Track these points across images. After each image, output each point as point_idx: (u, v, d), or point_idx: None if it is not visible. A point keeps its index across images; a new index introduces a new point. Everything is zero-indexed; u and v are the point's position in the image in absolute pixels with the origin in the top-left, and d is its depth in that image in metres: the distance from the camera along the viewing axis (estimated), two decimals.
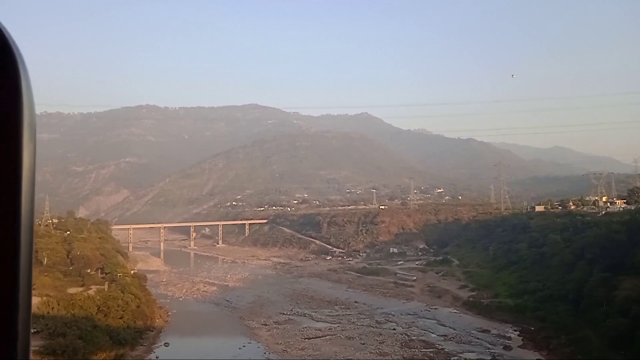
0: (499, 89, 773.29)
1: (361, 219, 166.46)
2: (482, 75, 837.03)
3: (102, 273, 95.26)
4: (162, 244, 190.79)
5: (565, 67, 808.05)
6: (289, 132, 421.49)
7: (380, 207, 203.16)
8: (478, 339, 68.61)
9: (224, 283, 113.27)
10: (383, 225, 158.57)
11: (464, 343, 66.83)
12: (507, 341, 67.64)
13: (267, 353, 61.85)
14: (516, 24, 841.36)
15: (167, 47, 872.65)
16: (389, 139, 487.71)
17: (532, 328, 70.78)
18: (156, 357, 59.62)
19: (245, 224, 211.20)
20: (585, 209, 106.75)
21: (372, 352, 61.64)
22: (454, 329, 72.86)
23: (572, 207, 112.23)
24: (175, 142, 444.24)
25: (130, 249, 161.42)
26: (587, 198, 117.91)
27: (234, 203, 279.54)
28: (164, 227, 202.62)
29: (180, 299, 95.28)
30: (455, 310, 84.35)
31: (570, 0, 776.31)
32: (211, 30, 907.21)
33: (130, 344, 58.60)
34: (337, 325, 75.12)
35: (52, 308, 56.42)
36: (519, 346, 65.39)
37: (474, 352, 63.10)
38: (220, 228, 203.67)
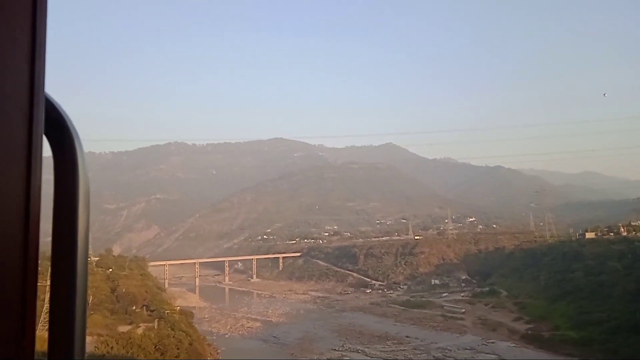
0: (523, 114, 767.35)
1: (399, 250, 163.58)
2: (506, 99, 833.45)
3: (147, 310, 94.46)
4: (197, 279, 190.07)
5: (592, 89, 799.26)
6: (315, 165, 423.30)
7: (415, 237, 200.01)
8: None
9: (267, 318, 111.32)
10: (422, 256, 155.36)
11: None
12: None
13: None
14: (543, 43, 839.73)
15: (192, 83, 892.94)
16: (415, 169, 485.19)
17: None
18: None
19: (278, 257, 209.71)
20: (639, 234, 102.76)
21: None
22: None
23: (624, 233, 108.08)
24: (204, 177, 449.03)
25: (166, 286, 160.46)
26: (638, 223, 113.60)
27: (264, 237, 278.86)
28: (198, 263, 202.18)
29: (226, 336, 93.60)
30: (514, 345, 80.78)
31: (594, 18, 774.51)
32: (231, 65, 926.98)
33: None
34: None
35: (112, 347, 55.40)
36: None
37: None
38: (254, 262, 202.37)
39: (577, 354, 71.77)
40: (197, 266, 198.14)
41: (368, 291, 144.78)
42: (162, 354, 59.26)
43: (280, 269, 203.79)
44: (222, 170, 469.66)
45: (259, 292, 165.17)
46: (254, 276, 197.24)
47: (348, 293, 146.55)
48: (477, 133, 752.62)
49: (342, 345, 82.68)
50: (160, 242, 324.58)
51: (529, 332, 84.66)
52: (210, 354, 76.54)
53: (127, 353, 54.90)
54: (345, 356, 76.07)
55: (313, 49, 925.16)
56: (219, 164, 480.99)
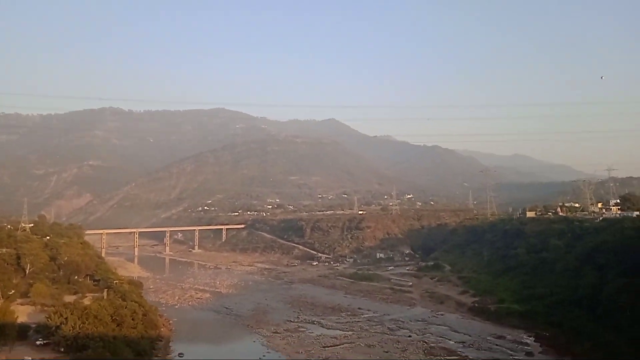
0: (460, 95, 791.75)
1: (345, 224, 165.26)
2: (443, 80, 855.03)
3: (92, 280, 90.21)
4: (135, 249, 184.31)
5: (527, 74, 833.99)
6: (258, 137, 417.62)
7: (360, 212, 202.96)
8: (497, 345, 67.85)
9: (216, 290, 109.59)
10: (369, 230, 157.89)
11: (484, 350, 65.88)
12: (526, 347, 67.14)
13: None
14: (484, 29, 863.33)
15: (129, 43, 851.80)
16: (356, 145, 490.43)
17: (547, 334, 70.58)
18: None
19: (222, 229, 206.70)
20: (577, 214, 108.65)
21: None
22: (469, 336, 71.96)
23: (562, 213, 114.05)
24: (140, 145, 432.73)
25: (103, 255, 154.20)
26: (576, 204, 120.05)
27: (205, 208, 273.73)
28: (137, 232, 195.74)
29: (176, 307, 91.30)
30: (462, 316, 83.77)
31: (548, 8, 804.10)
32: (176, 28, 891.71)
33: (147, 355, 55.00)
34: (350, 332, 73.08)
35: (66, 318, 52.15)
36: (539, 352, 64.91)
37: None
38: (196, 233, 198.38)
39: (522, 326, 75.30)
40: (136, 236, 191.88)
41: (315, 264, 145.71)
42: (118, 325, 56.68)
43: (224, 240, 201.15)
44: (160, 138, 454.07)
45: (203, 263, 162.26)
46: (196, 247, 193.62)
47: (295, 265, 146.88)
48: (415, 111, 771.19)
49: (297, 317, 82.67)
50: (93, 210, 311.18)
51: (476, 305, 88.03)
52: (164, 324, 74.32)
53: (84, 324, 51.99)
54: (301, 328, 76.06)
55: (258, 20, 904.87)
56: (157, 132, 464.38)
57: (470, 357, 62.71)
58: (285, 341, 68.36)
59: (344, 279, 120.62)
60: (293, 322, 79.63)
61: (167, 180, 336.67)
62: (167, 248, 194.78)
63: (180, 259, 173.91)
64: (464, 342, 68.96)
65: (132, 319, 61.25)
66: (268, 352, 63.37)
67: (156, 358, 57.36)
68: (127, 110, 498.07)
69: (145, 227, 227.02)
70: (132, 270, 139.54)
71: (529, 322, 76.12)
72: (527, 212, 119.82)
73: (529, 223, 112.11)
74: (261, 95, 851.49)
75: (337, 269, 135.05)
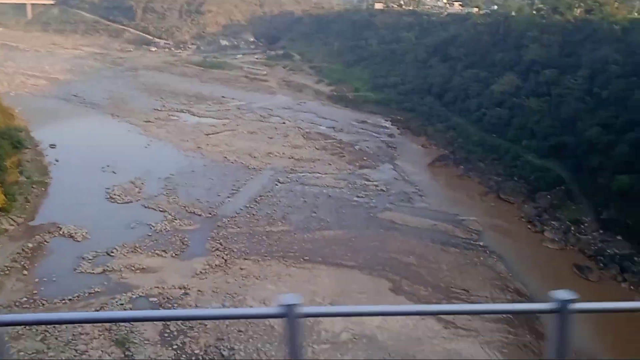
0: None
1: (184, 7, 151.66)
2: None
3: None
4: None
5: None
6: None
7: None
8: (362, 129, 74.83)
9: (50, 76, 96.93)
10: (210, 15, 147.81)
11: (353, 133, 72.38)
12: (386, 129, 75.41)
13: (180, 151, 58.43)
14: None
15: None
16: None
17: (400, 118, 79.35)
18: (55, 160, 51.91)
19: (24, 4, 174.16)
20: (423, 8, 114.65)
21: (285, 145, 63.00)
22: (336, 121, 77.48)
23: (411, 7, 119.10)
24: None
25: None
26: None
27: None
28: None
29: (12, 94, 79.64)
30: (323, 104, 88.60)
31: None
32: None
33: (23, 146, 49.40)
34: (226, 120, 73.23)
35: None
36: (399, 134, 73.63)
37: (368, 140, 69.27)
38: None
39: (379, 112, 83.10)
40: None
41: (154, 49, 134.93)
42: None
43: (30, 17, 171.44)
44: None
45: (12, 44, 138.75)
46: None
47: (130, 51, 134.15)
48: None
49: (163, 106, 79.03)
50: None
51: (334, 93, 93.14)
52: (11, 113, 65.29)
53: None
54: (173, 116, 73.61)
55: None
56: None
57: (344, 140, 68.95)
58: (164, 130, 66.21)
59: (193, 66, 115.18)
60: (161, 110, 76.25)
61: None
62: None
63: None
64: (334, 127, 74.46)
65: None
66: (151, 141, 61.25)
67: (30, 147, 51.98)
68: None
69: None
70: None
71: (384, 109, 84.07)
72: (376, 4, 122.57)
73: (378, 15, 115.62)
74: None
75: (181, 56, 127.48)
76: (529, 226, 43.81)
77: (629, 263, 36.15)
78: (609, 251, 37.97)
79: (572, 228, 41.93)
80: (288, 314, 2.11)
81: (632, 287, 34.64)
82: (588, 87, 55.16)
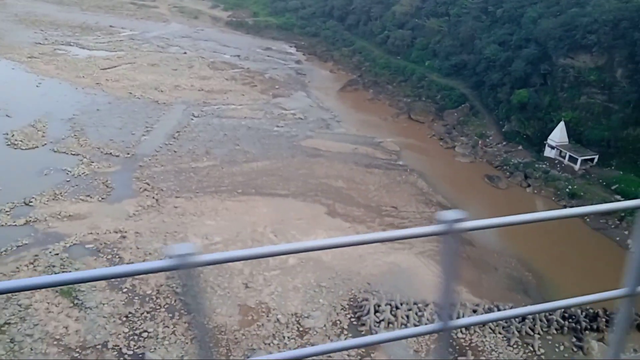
0: None
1: None
2: None
3: None
4: None
5: None
6: None
7: None
8: (268, 56, 73.35)
9: None
10: None
11: (259, 61, 70.80)
12: (292, 56, 74.60)
13: (78, 89, 53.84)
14: None
15: None
16: None
17: (304, 43, 78.69)
18: None
19: None
20: None
21: (192, 77, 60.35)
22: (240, 49, 75.08)
23: None
24: None
25: None
26: None
27: None
28: None
29: None
30: (222, 31, 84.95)
31: None
32: None
33: None
34: (121, 52, 68.00)
35: None
36: (306, 60, 73.22)
37: (276, 68, 68.28)
38: None
39: (282, 38, 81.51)
40: None
41: None
42: None
43: None
44: None
45: None
46: None
47: None
48: None
49: (45, 39, 71.07)
50: None
51: (232, 19, 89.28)
52: None
53: None
54: (59, 50, 66.81)
55: None
56: None
57: (252, 68, 67.33)
58: (53, 66, 60.18)
59: None
60: (44, 44, 68.80)
61: None
62: None
63: None
64: (239, 56, 72.22)
65: None
66: (42, 80, 55.63)
67: None
68: None
69: None
70: None
71: (287, 34, 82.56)
72: None
73: None
74: None
75: None
76: (440, 143, 46.88)
77: (532, 170, 40.39)
78: (513, 161, 42.01)
79: (479, 142, 45.56)
80: (182, 265, 1.96)
81: (535, 191, 38.95)
82: (484, 6, 57.90)
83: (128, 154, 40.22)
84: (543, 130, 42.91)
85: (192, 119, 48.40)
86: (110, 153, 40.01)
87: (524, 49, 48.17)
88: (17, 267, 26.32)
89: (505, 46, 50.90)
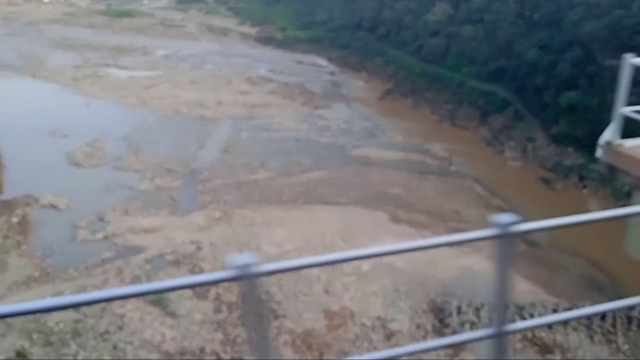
0: None
1: None
2: None
3: None
4: None
5: None
6: None
7: None
8: (302, 70, 74.58)
9: None
10: None
11: (294, 75, 71.94)
12: (325, 68, 75.72)
13: (126, 108, 55.25)
14: None
15: None
16: None
17: (334, 55, 79.67)
18: None
19: None
20: None
21: (233, 92, 61.56)
22: (273, 64, 76.37)
23: None
24: None
25: None
26: None
27: None
28: None
29: None
30: (253, 47, 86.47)
31: None
32: None
33: None
34: (160, 72, 69.68)
35: None
36: (339, 72, 74.26)
37: (312, 81, 69.33)
38: None
39: (312, 51, 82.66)
40: None
41: (46, 0, 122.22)
42: None
43: None
44: None
45: None
46: None
47: (19, 4, 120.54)
48: None
49: (85, 62, 73.23)
50: None
51: (261, 35, 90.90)
52: None
53: None
54: (100, 72, 68.67)
55: None
56: None
57: (289, 82, 68.39)
58: (98, 87, 61.82)
59: (98, 16, 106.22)
60: (84, 67, 70.72)
61: None
62: None
63: None
64: (273, 70, 73.41)
65: None
66: (89, 100, 57.19)
67: None
68: None
69: None
70: None
71: (317, 47, 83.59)
72: None
73: None
74: None
75: (80, 6, 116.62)
76: (488, 148, 47.23)
77: (586, 171, 40.50)
78: (566, 163, 42.18)
79: (529, 145, 45.82)
80: (244, 276, 1.96)
81: (592, 192, 39.07)
82: (520, 12, 58.48)
83: (187, 168, 41.17)
84: (594, 132, 42.85)
85: (241, 133, 49.36)
86: (170, 169, 40.96)
87: (568, 52, 48.54)
88: (106, 279, 27.15)
89: (547, 50, 51.28)
